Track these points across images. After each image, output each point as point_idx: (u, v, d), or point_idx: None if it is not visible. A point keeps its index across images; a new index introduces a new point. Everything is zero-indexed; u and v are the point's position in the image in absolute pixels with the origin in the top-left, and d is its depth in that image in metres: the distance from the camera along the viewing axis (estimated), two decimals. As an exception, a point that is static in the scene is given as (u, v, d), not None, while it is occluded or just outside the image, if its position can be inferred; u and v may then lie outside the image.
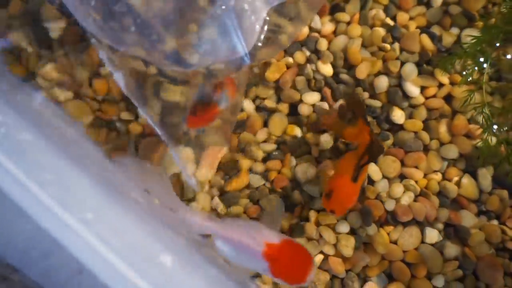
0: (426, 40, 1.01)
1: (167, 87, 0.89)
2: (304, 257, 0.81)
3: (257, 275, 0.93)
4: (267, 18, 0.79)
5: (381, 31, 1.02)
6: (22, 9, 1.03)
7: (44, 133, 0.83)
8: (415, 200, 0.95)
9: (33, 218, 0.71)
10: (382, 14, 1.03)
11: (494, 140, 0.94)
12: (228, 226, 0.81)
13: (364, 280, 0.93)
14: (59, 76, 1.00)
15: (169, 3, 0.76)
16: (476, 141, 0.96)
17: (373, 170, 0.95)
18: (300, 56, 1.01)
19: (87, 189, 0.79)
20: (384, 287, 0.92)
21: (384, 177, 0.96)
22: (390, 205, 0.94)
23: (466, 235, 0.92)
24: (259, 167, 0.97)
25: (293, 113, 1.00)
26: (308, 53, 1.01)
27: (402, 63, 1.00)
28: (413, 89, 0.99)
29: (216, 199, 0.95)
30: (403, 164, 0.97)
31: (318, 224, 0.94)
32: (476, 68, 0.96)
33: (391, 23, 1.03)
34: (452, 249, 0.92)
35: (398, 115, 0.98)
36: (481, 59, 0.95)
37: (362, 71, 0.99)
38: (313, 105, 0.99)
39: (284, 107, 1.00)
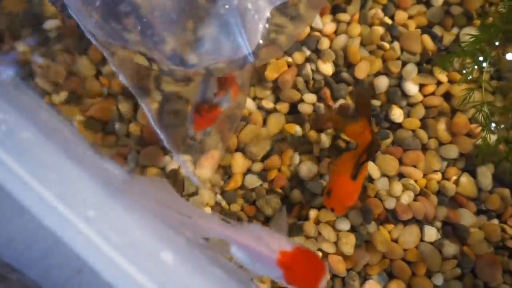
0: (427, 40, 1.01)
1: (168, 79, 0.89)
2: (317, 264, 0.81)
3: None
4: (270, 17, 0.79)
5: (379, 30, 1.03)
6: (22, 9, 1.03)
7: (44, 132, 0.83)
8: (414, 200, 0.95)
9: (35, 216, 0.70)
10: (380, 13, 1.04)
11: (493, 138, 0.94)
12: (243, 233, 0.81)
13: (364, 278, 0.93)
14: (57, 76, 1.00)
15: (172, 2, 0.76)
16: (476, 140, 0.96)
17: (371, 167, 0.95)
18: (300, 55, 1.01)
19: (89, 187, 0.79)
20: (384, 285, 0.93)
21: (383, 175, 0.96)
22: (390, 204, 0.94)
23: (465, 234, 0.93)
24: (258, 166, 0.97)
25: (293, 111, 1.00)
26: (308, 53, 1.01)
27: (403, 64, 1.00)
28: (412, 88, 0.99)
29: (218, 196, 0.96)
30: (401, 162, 0.97)
31: (318, 222, 0.94)
32: (475, 66, 0.96)
33: (390, 22, 1.04)
34: (450, 248, 0.92)
35: (397, 114, 0.98)
36: (480, 58, 0.95)
37: (361, 70, 0.99)
38: (313, 104, 1.00)
39: (284, 107, 1.00)
